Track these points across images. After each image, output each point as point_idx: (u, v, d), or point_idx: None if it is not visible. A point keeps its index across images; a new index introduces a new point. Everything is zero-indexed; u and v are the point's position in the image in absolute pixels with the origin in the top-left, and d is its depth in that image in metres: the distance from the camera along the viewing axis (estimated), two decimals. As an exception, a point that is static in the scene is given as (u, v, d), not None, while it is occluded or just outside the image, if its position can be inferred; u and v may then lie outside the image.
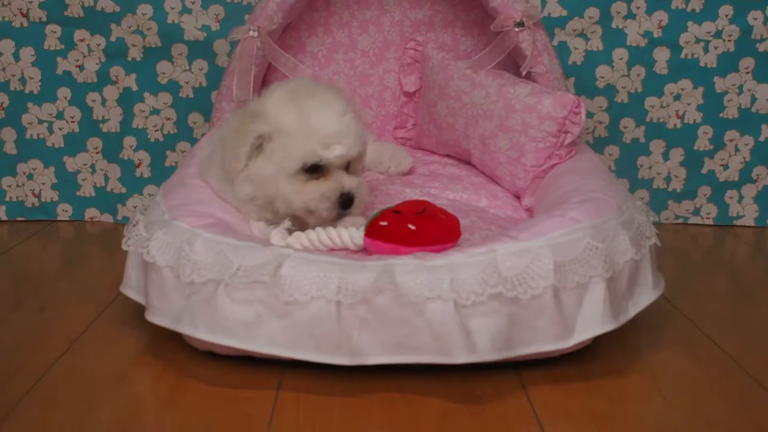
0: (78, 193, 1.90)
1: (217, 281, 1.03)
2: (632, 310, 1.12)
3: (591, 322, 1.06)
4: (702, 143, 1.89)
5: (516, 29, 1.53)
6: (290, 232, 1.21)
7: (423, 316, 0.99)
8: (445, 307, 0.99)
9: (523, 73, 1.55)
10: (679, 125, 1.89)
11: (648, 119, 1.89)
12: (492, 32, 1.58)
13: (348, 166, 1.27)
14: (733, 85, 1.86)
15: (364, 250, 1.16)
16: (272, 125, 1.22)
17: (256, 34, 1.53)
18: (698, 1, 1.82)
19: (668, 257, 1.69)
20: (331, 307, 0.99)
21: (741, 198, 1.91)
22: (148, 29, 1.81)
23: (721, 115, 1.88)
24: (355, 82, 1.77)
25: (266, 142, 1.22)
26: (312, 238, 1.18)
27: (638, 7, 1.82)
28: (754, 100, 1.86)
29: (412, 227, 1.10)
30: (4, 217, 1.89)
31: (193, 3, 1.81)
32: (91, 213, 1.91)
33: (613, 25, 1.84)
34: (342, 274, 1.01)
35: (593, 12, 1.82)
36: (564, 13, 1.83)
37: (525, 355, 1.05)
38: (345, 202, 1.23)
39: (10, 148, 1.86)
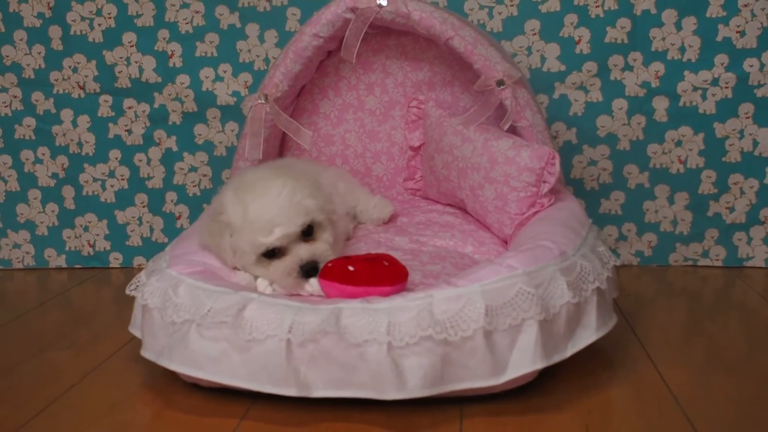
0: (127, 243, 2.14)
1: (191, 321, 1.20)
2: (570, 350, 1.20)
3: (522, 361, 1.15)
4: (706, 187, 1.93)
5: (498, 88, 1.65)
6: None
7: (362, 357, 1.11)
8: (380, 348, 1.10)
9: (504, 128, 1.66)
10: (682, 170, 1.93)
11: (651, 165, 1.95)
12: (485, 90, 1.70)
13: (310, 235, 1.37)
14: (733, 130, 1.89)
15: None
16: (229, 223, 1.36)
17: (263, 100, 1.72)
18: (693, 51, 1.87)
19: (678, 299, 1.74)
20: (282, 345, 1.13)
21: (750, 240, 1.93)
22: (185, 96, 2.04)
23: (723, 159, 1.91)
24: (365, 138, 1.93)
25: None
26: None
27: (635, 60, 1.90)
28: (756, 144, 1.89)
29: (351, 268, 1.24)
30: (64, 265, 2.15)
31: (224, 72, 2.03)
32: (138, 261, 2.14)
33: (611, 77, 1.92)
34: (295, 316, 1.15)
35: (591, 66, 1.91)
36: (563, 68, 1.93)
37: (462, 390, 1.15)
38: (309, 271, 1.33)
39: (70, 204, 2.12)
